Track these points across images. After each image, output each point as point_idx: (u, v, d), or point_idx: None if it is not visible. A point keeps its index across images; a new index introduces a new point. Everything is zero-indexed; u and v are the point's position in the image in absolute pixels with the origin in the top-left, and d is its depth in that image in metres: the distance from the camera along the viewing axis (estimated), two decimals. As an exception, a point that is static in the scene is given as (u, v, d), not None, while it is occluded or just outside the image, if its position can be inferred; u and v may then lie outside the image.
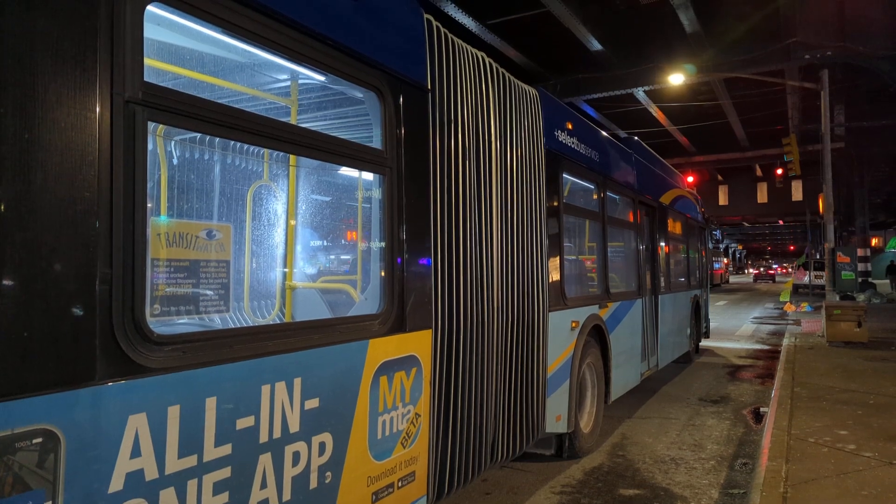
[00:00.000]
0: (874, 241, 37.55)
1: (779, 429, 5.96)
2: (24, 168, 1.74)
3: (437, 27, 3.82)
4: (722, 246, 70.65)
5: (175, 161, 3.90)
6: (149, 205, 3.68)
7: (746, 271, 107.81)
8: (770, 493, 4.34)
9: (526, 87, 5.03)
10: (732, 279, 68.44)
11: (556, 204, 5.40)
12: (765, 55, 17.28)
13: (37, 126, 1.77)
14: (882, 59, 16.09)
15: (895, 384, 8.13)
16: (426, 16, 3.75)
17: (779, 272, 78.17)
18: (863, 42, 16.07)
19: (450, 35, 3.95)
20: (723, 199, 43.05)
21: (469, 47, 4.20)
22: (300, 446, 2.62)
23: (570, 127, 5.85)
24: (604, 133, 7.14)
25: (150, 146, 3.65)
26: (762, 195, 41.79)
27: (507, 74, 4.66)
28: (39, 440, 1.73)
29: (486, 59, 4.38)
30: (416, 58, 3.58)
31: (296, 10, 2.71)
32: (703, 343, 13.06)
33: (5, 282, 1.69)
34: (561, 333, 5.35)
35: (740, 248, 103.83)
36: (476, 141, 4.10)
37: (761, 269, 70.43)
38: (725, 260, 61.00)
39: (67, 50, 1.85)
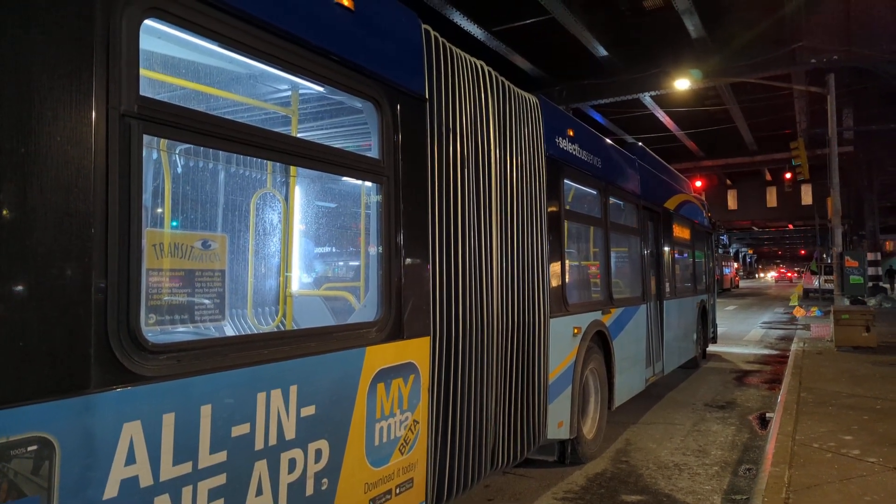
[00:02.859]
0: (888, 246, 37.20)
1: (783, 434, 5.94)
2: (21, 181, 1.78)
3: (435, 37, 3.86)
4: (732, 250, 70.45)
5: (179, 170, 3.95)
6: (158, 210, 3.77)
7: (758, 276, 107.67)
8: (772, 499, 4.33)
9: (526, 94, 5.06)
10: (743, 283, 68.24)
11: (556, 210, 5.42)
12: (771, 60, 17.24)
13: (33, 140, 1.81)
14: (889, 62, 16.02)
15: (903, 389, 8.08)
16: (424, 26, 3.79)
17: (794, 277, 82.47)
18: (869, 46, 16.00)
19: (448, 44, 3.99)
20: (732, 204, 42.84)
21: (468, 56, 4.23)
22: (296, 453, 2.65)
23: (571, 134, 5.87)
24: (607, 139, 7.15)
25: (153, 156, 3.74)
26: (771, 199, 41.56)
27: (506, 83, 4.69)
28: (34, 448, 1.76)
29: (486, 68, 4.42)
30: (413, 68, 3.62)
31: (292, 23, 2.75)
32: (711, 348, 13.00)
33: (1, 291, 1.73)
34: (562, 340, 5.36)
35: (751, 252, 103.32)
36: (475, 149, 4.13)
37: (781, 273, 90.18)
38: (736, 264, 60.72)
39: (63, 65, 1.89)
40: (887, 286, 29.37)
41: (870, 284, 24.13)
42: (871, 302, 22.81)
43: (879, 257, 29.43)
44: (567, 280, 5.60)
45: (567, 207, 5.81)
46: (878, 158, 27.89)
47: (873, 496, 4.35)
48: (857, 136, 26.39)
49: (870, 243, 29.07)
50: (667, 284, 9.04)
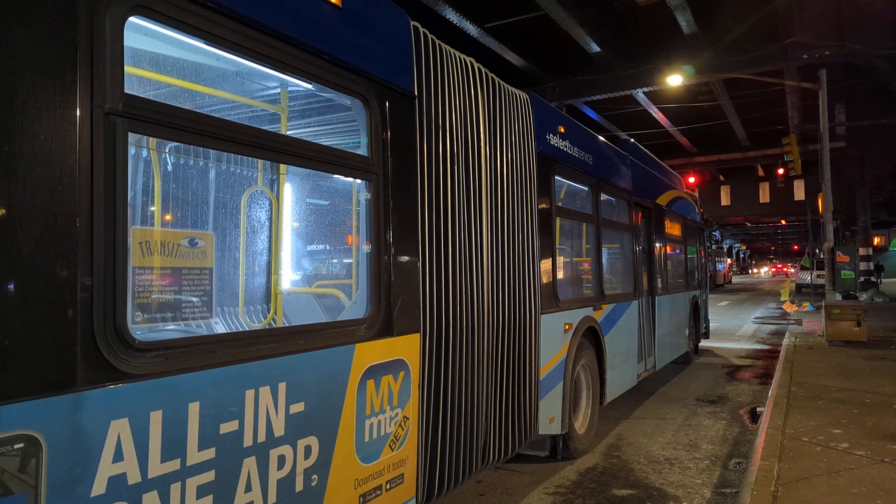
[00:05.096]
0: (877, 241, 37.39)
1: (773, 428, 5.98)
2: (5, 179, 1.78)
3: (424, 34, 3.86)
4: (725, 246, 70.77)
5: (168, 168, 3.95)
6: (146, 208, 3.76)
7: (751, 271, 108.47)
8: (761, 492, 4.36)
9: (516, 91, 5.06)
10: (736, 279, 68.55)
11: (547, 207, 5.43)
12: (762, 56, 17.26)
13: (17, 138, 1.81)
14: (880, 57, 16.06)
15: (891, 383, 8.15)
16: (413, 23, 3.79)
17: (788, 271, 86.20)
18: (861, 41, 16.03)
19: (437, 41, 3.99)
20: (725, 200, 42.90)
21: (457, 53, 4.24)
22: (285, 450, 2.66)
23: (562, 130, 5.88)
24: (598, 136, 7.17)
25: (143, 154, 3.73)
26: (764, 195, 41.63)
27: (496, 79, 4.70)
28: (21, 445, 1.76)
29: (475, 65, 4.42)
30: (402, 65, 3.62)
31: (279, 20, 2.75)
32: (703, 344, 13.06)
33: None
34: (554, 336, 5.38)
35: (744, 248, 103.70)
36: (465, 146, 4.14)
37: (776, 268, 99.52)
38: (729, 260, 60.98)
39: (47, 63, 1.89)
40: (877, 281, 29.55)
41: (861, 279, 24.28)
42: (863, 297, 22.96)
43: (871, 252, 29.56)
44: (558, 276, 5.62)
45: (558, 204, 5.82)
46: (871, 154, 27.97)
47: (861, 489, 4.39)
48: (850, 132, 26.44)
49: (861, 238, 29.21)
50: (658, 280, 9.07)
